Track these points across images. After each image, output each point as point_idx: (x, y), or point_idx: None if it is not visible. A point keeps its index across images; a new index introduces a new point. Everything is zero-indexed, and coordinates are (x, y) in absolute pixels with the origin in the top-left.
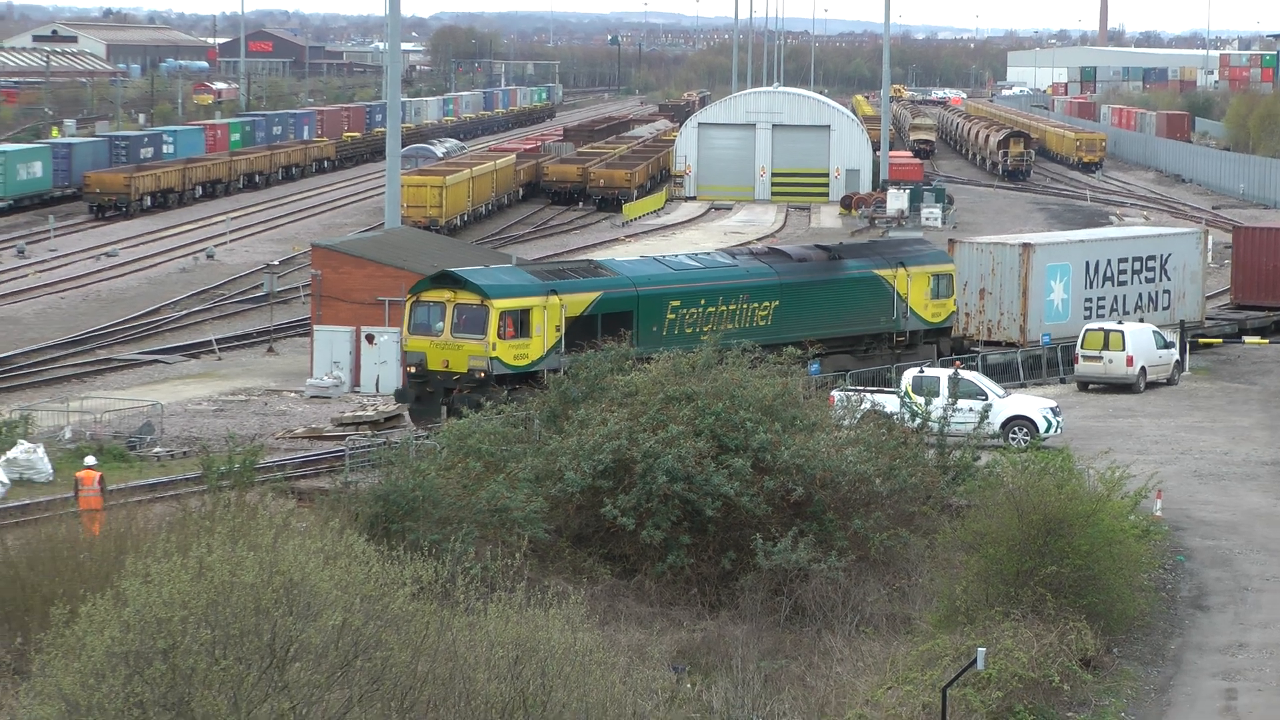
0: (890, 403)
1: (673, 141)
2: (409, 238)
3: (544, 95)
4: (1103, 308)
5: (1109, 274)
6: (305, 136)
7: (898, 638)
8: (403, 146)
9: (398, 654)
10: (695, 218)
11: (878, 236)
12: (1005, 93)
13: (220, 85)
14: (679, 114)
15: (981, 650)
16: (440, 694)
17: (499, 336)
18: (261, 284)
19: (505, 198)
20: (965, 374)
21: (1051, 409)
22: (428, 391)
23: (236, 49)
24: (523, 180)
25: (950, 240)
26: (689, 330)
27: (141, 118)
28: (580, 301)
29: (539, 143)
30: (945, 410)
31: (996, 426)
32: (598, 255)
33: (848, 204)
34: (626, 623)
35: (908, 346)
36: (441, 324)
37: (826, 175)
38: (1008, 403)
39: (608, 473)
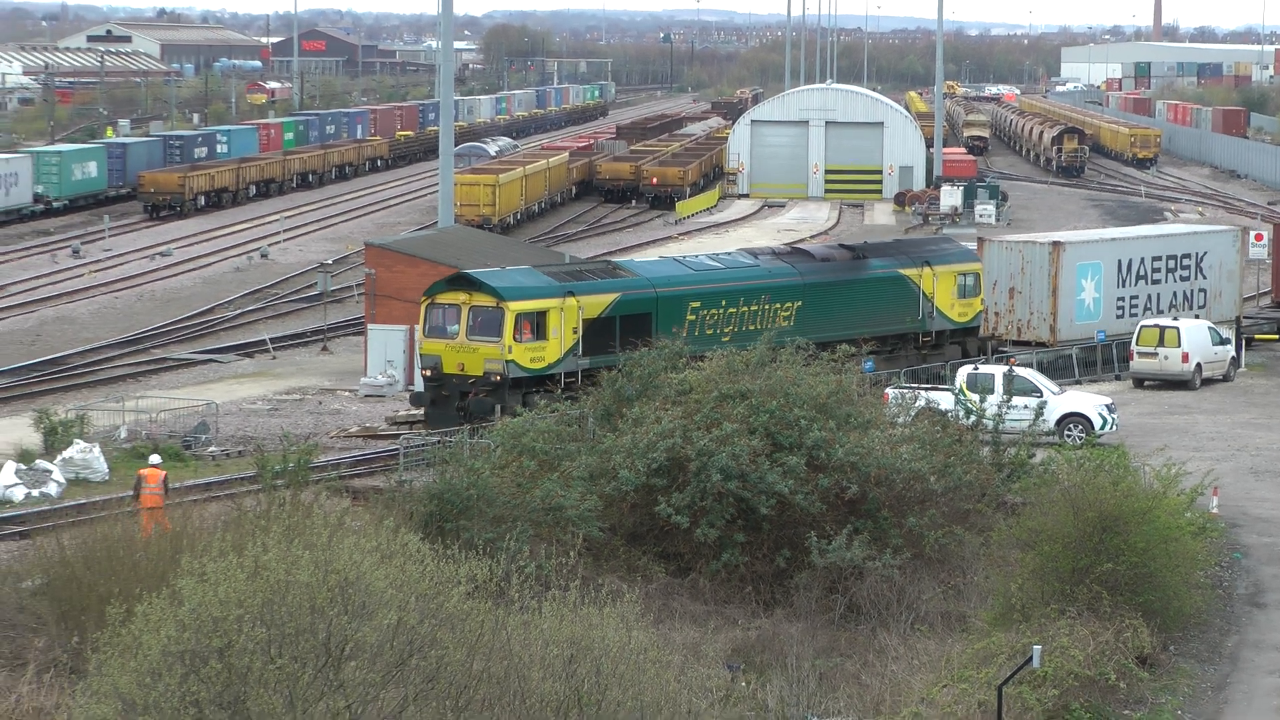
0: (945, 400)
1: (726, 139)
2: (462, 236)
3: (596, 93)
4: (1135, 307)
5: (1142, 272)
6: (358, 135)
7: (953, 635)
8: (456, 145)
9: (453, 652)
10: (748, 215)
11: (931, 233)
12: (1059, 89)
13: (274, 84)
14: (732, 111)
15: (1037, 648)
16: (495, 692)
17: (515, 339)
18: (315, 283)
19: (558, 196)
20: (1020, 371)
21: (1107, 406)
22: (443, 395)
23: (290, 48)
24: (576, 178)
25: (979, 239)
26: (709, 332)
27: (195, 117)
28: (598, 303)
29: (592, 141)
30: (1000, 407)
31: (1051, 424)
32: (651, 253)
33: (901, 201)
34: (681, 621)
35: (934, 347)
36: (457, 326)
37: (880, 172)
38: (1063, 400)
39: (662, 471)
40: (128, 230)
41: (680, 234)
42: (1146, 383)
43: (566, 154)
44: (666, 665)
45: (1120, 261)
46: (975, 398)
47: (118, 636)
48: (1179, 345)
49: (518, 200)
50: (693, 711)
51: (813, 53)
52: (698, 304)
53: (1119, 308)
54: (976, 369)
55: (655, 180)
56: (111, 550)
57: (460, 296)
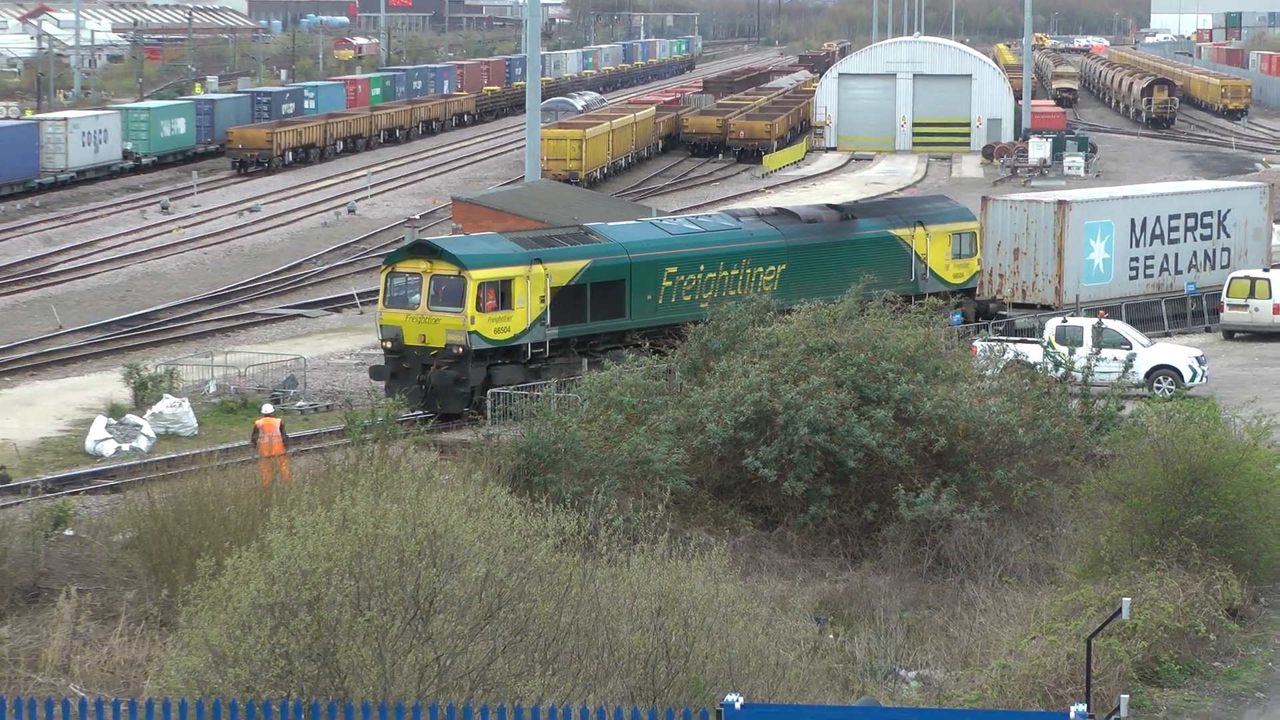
0: (1033, 353)
1: (813, 92)
2: (549, 191)
3: (683, 47)
4: (1151, 267)
5: (1158, 231)
6: (445, 91)
7: (1041, 588)
8: (542, 100)
9: (541, 605)
10: (836, 169)
11: (1020, 185)
12: (1149, 40)
13: (360, 40)
14: (819, 65)
15: (1126, 600)
16: (583, 645)
17: (478, 309)
18: (403, 238)
19: (645, 150)
20: (1109, 323)
21: (1196, 358)
22: (404, 368)
23: (377, 4)
24: (662, 133)
25: (983, 198)
26: (687, 298)
27: (283, 73)
28: (567, 270)
29: (678, 95)
30: (1089, 360)
31: (1141, 376)
32: (738, 206)
33: (989, 153)
34: (769, 574)
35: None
36: (418, 296)
37: (968, 125)
38: (1152, 352)
39: (749, 424)
40: (216, 186)
41: (767, 188)
42: (1237, 334)
43: (653, 108)
44: (754, 618)
45: (1134, 220)
46: (1064, 350)
47: (208, 589)
48: (1270, 297)
49: (604, 155)
50: (780, 664)
51: (900, 5)
52: (674, 269)
53: (1133, 268)
54: (1065, 321)
55: (742, 134)
56: (201, 504)
57: (421, 265)
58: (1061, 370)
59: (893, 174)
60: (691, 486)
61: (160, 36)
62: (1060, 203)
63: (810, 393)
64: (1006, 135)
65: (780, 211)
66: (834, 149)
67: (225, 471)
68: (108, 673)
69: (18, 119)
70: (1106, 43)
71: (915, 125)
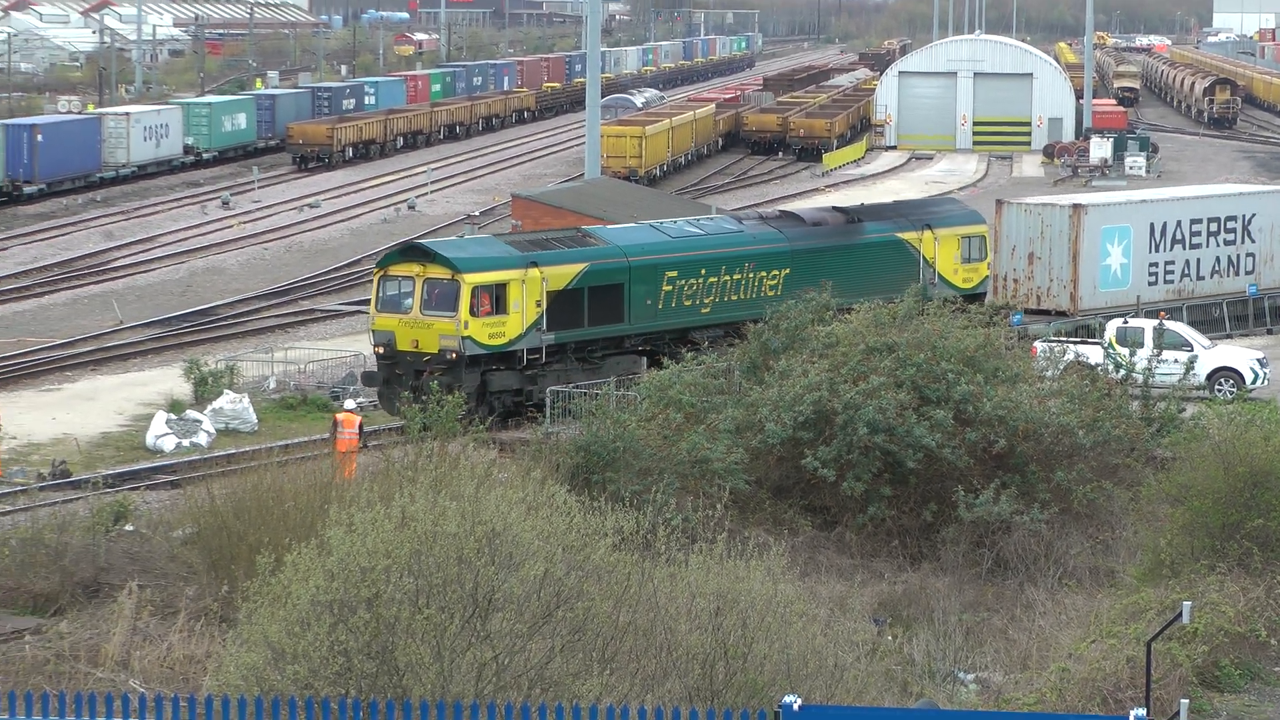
0: (1094, 354)
1: (873, 90)
2: (608, 188)
3: (743, 44)
4: (1171, 272)
5: (1178, 236)
6: (505, 87)
7: (1101, 591)
8: (602, 96)
9: (599, 604)
10: (896, 167)
11: (1081, 185)
12: (1211, 39)
13: (421, 36)
14: (879, 63)
15: (1187, 604)
16: (641, 644)
17: (471, 314)
18: (462, 234)
19: (705, 148)
20: (1170, 325)
21: (1258, 360)
22: (397, 374)
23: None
24: (722, 130)
25: (997, 200)
26: (688, 303)
27: (343, 69)
28: (564, 274)
29: (738, 92)
30: (1150, 361)
31: (1202, 378)
32: (798, 205)
33: (1050, 153)
34: (827, 574)
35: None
36: (411, 300)
37: (1029, 124)
38: (1214, 354)
39: (808, 424)
40: (276, 182)
41: (827, 186)
42: None
43: (713, 105)
44: (812, 619)
45: (1153, 225)
46: (1125, 351)
47: (267, 585)
48: None
49: (664, 152)
50: (839, 665)
51: (961, 3)
52: (674, 273)
53: (1151, 274)
54: (1126, 322)
55: (802, 132)
56: (261, 500)
57: (414, 268)
58: (1122, 372)
59: (953, 173)
60: (750, 486)
61: (221, 31)
62: (1075, 206)
63: (869, 393)
64: (1067, 135)
65: (784, 214)
66: (894, 147)
67: (285, 468)
68: (167, 669)
69: (80, 113)
70: (1168, 42)
71: (976, 124)
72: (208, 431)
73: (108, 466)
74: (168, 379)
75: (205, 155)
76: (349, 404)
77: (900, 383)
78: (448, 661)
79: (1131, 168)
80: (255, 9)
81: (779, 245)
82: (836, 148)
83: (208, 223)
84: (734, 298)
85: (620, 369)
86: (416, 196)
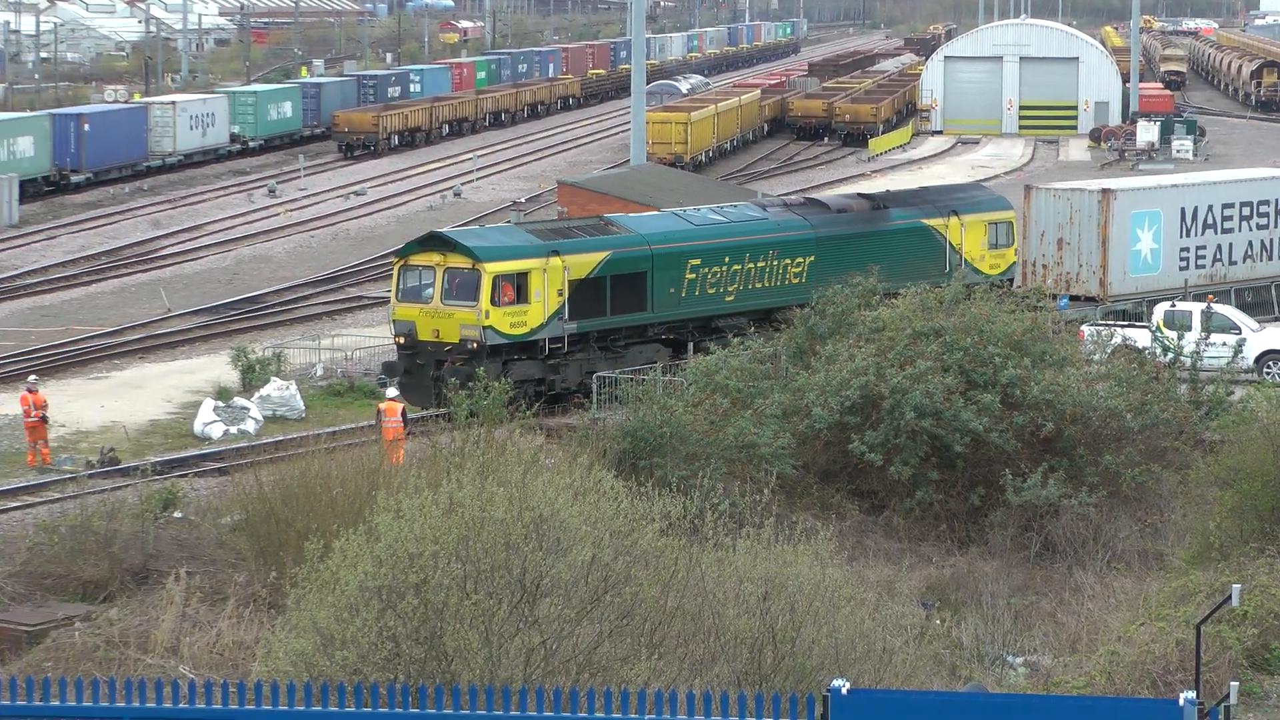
0: (1141, 337)
1: (919, 75)
2: (654, 174)
3: (788, 30)
4: (1203, 257)
5: (1210, 221)
6: (550, 74)
7: (1150, 574)
8: (647, 83)
9: (647, 589)
10: (942, 152)
11: (1128, 169)
12: (1258, 22)
13: (466, 23)
14: (925, 48)
15: (1236, 587)
16: (689, 629)
17: (492, 303)
18: (509, 221)
19: (750, 133)
20: (1219, 308)
21: None
22: (418, 364)
23: None
24: (767, 116)
25: (1026, 186)
26: (711, 291)
27: (389, 57)
28: (586, 263)
29: (783, 78)
30: (1198, 345)
31: (1250, 361)
32: (843, 190)
33: (1097, 137)
34: (875, 558)
35: None
36: (431, 290)
37: (1075, 108)
38: (1262, 337)
39: (855, 409)
40: (322, 170)
41: (873, 171)
42: None
43: (758, 91)
44: (861, 603)
45: (1184, 209)
46: (1172, 335)
47: (315, 572)
48: None
49: (710, 138)
50: (887, 649)
51: None
52: (697, 261)
53: (1183, 259)
54: (1174, 305)
55: (848, 117)
56: (309, 487)
57: (434, 258)
58: (1170, 355)
59: (999, 157)
60: (797, 471)
61: (267, 20)
62: (1104, 191)
63: (916, 377)
64: (1114, 119)
65: (809, 201)
66: (940, 132)
67: (332, 454)
68: (216, 655)
69: (126, 103)
70: (1215, 25)
71: (1022, 108)
72: (255, 419)
73: (156, 454)
74: (215, 366)
75: (251, 143)
76: (390, 392)
77: (947, 367)
78: (496, 646)
79: (1179, 151)
80: None
81: (804, 232)
82: (882, 133)
83: (254, 211)
84: (758, 285)
85: (643, 358)
86: (462, 184)
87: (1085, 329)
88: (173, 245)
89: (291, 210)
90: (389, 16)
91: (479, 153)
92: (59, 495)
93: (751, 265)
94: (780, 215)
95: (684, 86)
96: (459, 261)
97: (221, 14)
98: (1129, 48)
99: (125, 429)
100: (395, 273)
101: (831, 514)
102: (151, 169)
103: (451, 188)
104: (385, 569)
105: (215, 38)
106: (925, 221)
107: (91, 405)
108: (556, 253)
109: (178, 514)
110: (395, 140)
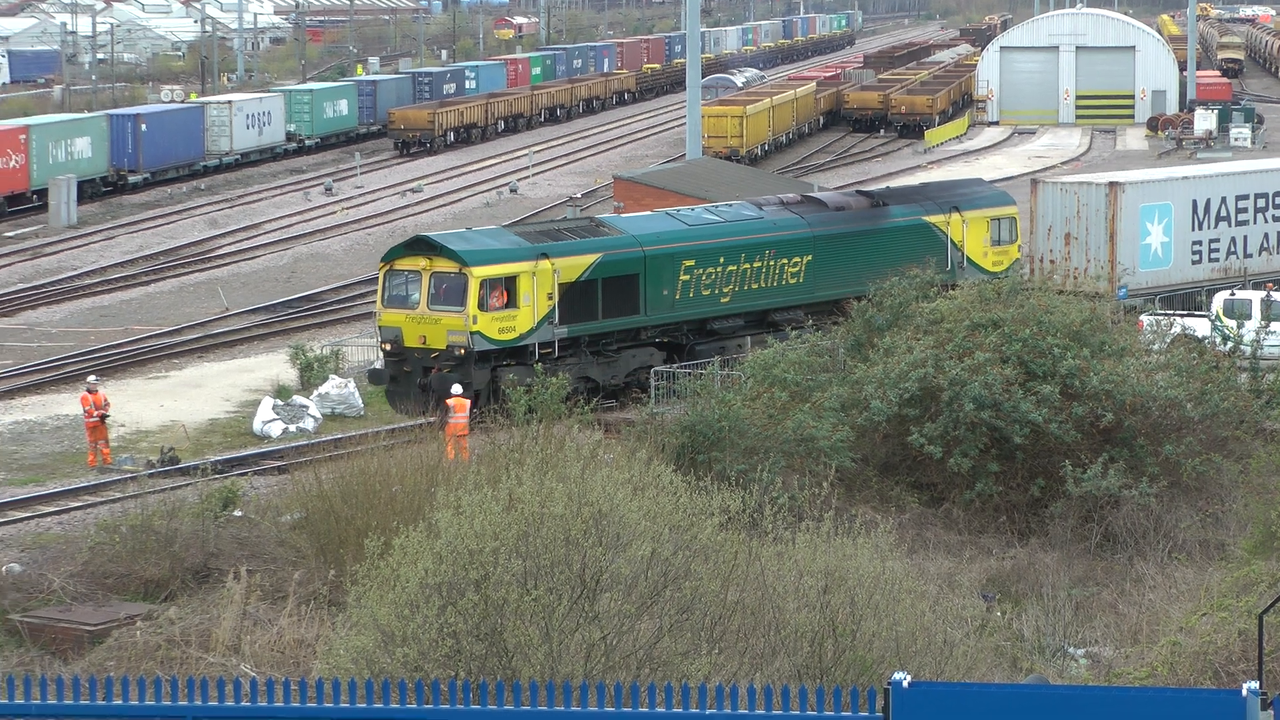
0: (1201, 327)
1: (974, 66)
2: (710, 168)
3: (843, 22)
4: (1216, 250)
5: (1224, 213)
6: (605, 69)
7: (1211, 564)
8: (702, 77)
9: (707, 583)
10: (998, 143)
11: (1186, 158)
12: None
13: (520, 20)
14: (980, 38)
15: None
16: (749, 623)
17: (480, 308)
18: (565, 216)
19: (806, 126)
20: (1279, 296)
21: None
22: (404, 371)
23: None
24: (823, 108)
25: (1032, 180)
26: (706, 293)
27: (444, 54)
28: (576, 265)
29: (839, 70)
30: (1258, 334)
31: None
32: (900, 182)
33: (1154, 125)
34: (935, 551)
35: None
36: (418, 295)
37: (1132, 97)
38: None
39: (914, 401)
40: (378, 167)
41: (929, 163)
42: None
43: (813, 84)
44: (921, 595)
45: (1195, 202)
46: (1232, 324)
47: (375, 569)
48: None
49: (765, 131)
50: (948, 642)
51: None
52: (691, 262)
53: (1195, 252)
54: (1234, 294)
55: (903, 109)
56: (368, 484)
57: (420, 262)
58: (1230, 344)
59: (1056, 147)
60: (856, 464)
61: (322, 18)
62: (1112, 184)
63: (975, 369)
64: (1171, 107)
65: (807, 199)
66: (996, 123)
67: (392, 452)
68: (277, 652)
69: (183, 103)
70: (1273, 12)
71: (1078, 98)
72: (314, 416)
73: (216, 453)
74: (274, 365)
75: (307, 142)
76: (456, 388)
77: (1006, 358)
78: (556, 642)
79: (1236, 139)
80: None
81: (801, 231)
82: (938, 124)
83: (311, 209)
84: (755, 286)
85: (636, 362)
86: (518, 180)
87: (1144, 319)
88: (230, 244)
89: (348, 208)
90: (444, 13)
91: (535, 148)
92: (120, 495)
93: (747, 266)
94: (777, 214)
95: (739, 80)
96: (445, 265)
97: (277, 13)
98: (1186, 36)
99: (185, 428)
100: (380, 277)
101: (891, 507)
102: (208, 168)
103: (508, 184)
104: (445, 565)
105: (270, 36)
106: (926, 218)
107: (151, 405)
108: (546, 255)
109: (238, 512)
110: (451, 137)
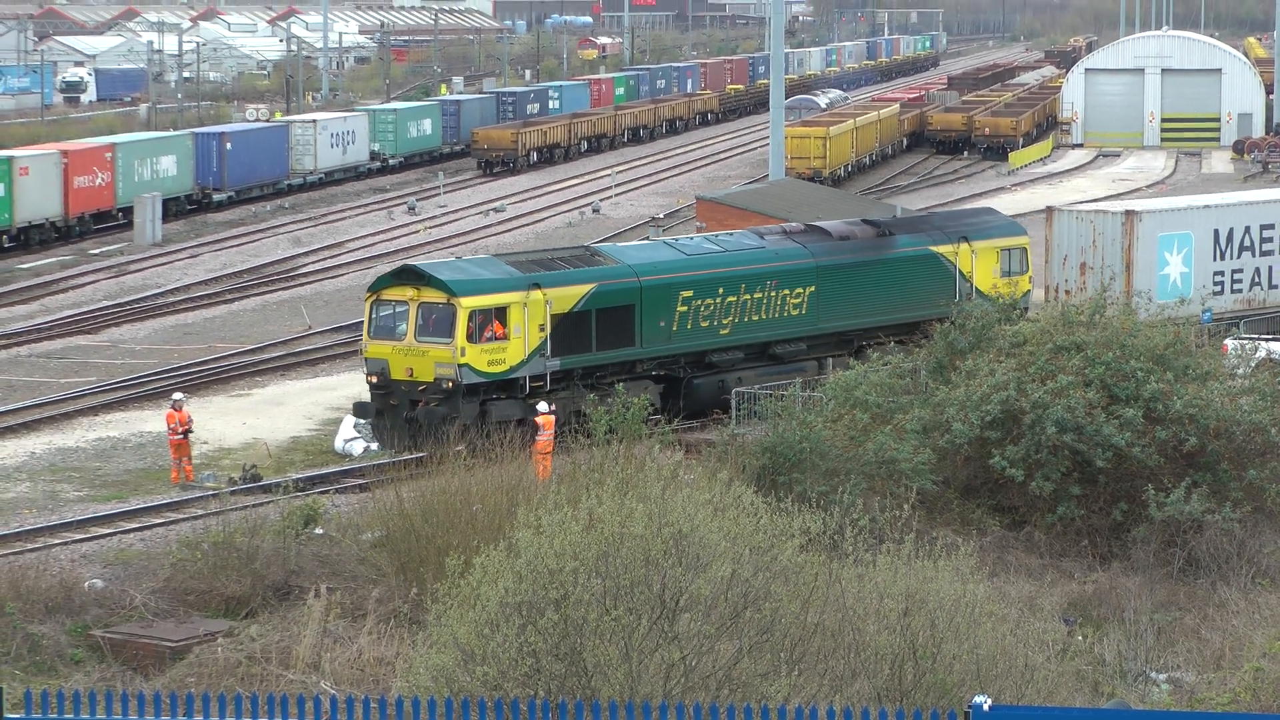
0: None
1: (1059, 88)
2: (793, 189)
3: (927, 44)
4: (1239, 281)
5: (1248, 243)
6: (688, 89)
7: None
8: (786, 98)
9: (787, 605)
10: (1082, 165)
11: (1272, 181)
12: None
13: (604, 40)
14: (1065, 60)
15: None
16: (829, 645)
17: (469, 340)
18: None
19: (889, 148)
20: None
21: None
22: (391, 405)
23: (620, 3)
24: (906, 130)
25: (1048, 208)
26: (704, 324)
27: (527, 74)
28: (569, 296)
29: (923, 92)
30: None
31: None
32: (982, 204)
33: (1240, 149)
34: (1016, 574)
35: None
36: (405, 326)
37: (1217, 120)
38: None
39: (996, 423)
40: (461, 186)
41: (1013, 185)
42: None
43: (897, 105)
44: (1002, 619)
45: (1217, 231)
46: None
47: (456, 588)
48: None
49: (848, 152)
50: (1029, 665)
51: None
52: (689, 293)
53: (1217, 283)
54: None
55: (987, 131)
56: (449, 503)
57: (408, 292)
58: None
59: (1140, 170)
60: (937, 486)
61: (406, 38)
62: (1128, 213)
63: (1058, 392)
64: (1257, 130)
65: (810, 228)
66: (1080, 145)
67: (472, 471)
68: (357, 670)
69: (267, 121)
70: None
71: (1163, 121)
72: None
73: (297, 470)
74: (356, 383)
75: (391, 161)
76: (542, 405)
77: (1089, 381)
78: (636, 662)
79: None
80: (440, 15)
81: (803, 261)
82: (1022, 146)
83: (394, 228)
84: (755, 318)
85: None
86: (601, 199)
87: (1229, 343)
88: (313, 263)
89: (431, 227)
90: (528, 33)
91: (617, 169)
92: (202, 512)
93: (748, 296)
94: (779, 243)
95: (823, 101)
96: (433, 296)
97: (362, 32)
98: (1273, 59)
99: (267, 446)
100: (367, 308)
101: (972, 529)
102: (292, 187)
103: (590, 204)
104: (525, 585)
105: (355, 56)
106: (934, 249)
107: (233, 422)
108: (538, 285)
109: (319, 530)
110: (534, 157)
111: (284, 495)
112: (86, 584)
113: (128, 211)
